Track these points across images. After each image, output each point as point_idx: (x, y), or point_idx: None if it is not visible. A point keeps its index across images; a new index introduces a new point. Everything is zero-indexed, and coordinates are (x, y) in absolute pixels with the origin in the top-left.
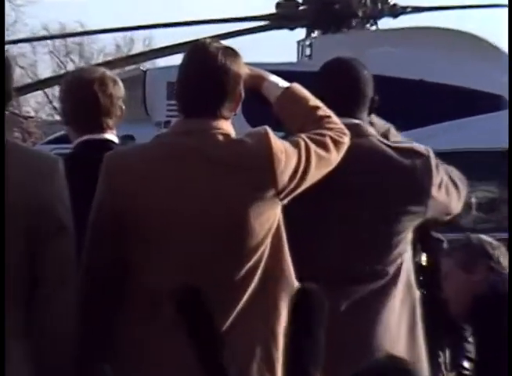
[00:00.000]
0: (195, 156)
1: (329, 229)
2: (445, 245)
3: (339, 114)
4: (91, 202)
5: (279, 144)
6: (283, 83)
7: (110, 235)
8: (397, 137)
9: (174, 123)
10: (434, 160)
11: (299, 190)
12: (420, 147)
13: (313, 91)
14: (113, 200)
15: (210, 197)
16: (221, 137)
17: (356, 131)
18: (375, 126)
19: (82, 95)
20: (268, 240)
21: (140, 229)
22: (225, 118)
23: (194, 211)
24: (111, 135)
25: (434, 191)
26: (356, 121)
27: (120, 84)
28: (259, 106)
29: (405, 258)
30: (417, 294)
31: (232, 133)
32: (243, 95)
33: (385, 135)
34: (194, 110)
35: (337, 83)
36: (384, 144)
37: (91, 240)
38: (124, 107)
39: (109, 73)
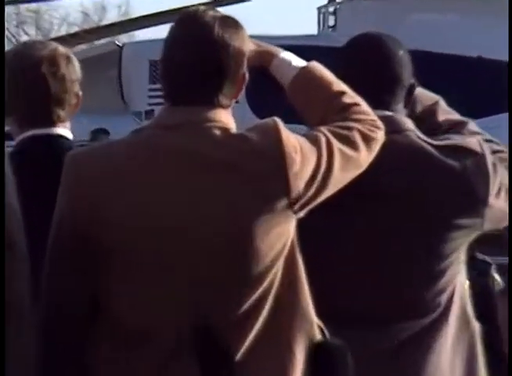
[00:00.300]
0: (184, 157)
1: (357, 246)
2: (493, 270)
3: (368, 104)
4: (43, 206)
5: (292, 140)
6: (298, 61)
7: (77, 261)
8: (449, 114)
9: (158, 113)
10: (490, 158)
11: (319, 200)
12: (471, 143)
13: (337, 72)
14: (78, 216)
15: (204, 211)
16: (218, 132)
17: (389, 126)
18: (418, 98)
19: (26, 78)
20: (280, 264)
21: (114, 254)
22: (224, 107)
23: (183, 229)
24: (64, 130)
25: (492, 198)
26: (389, 113)
27: (76, 62)
28: (267, 91)
29: (458, 284)
30: (476, 327)
31: (233, 126)
32: (246, 77)
33: (432, 111)
34: (184, 97)
35: (366, 65)
36: (425, 142)
37: (52, 267)
38: (81, 93)
39: (62, 49)
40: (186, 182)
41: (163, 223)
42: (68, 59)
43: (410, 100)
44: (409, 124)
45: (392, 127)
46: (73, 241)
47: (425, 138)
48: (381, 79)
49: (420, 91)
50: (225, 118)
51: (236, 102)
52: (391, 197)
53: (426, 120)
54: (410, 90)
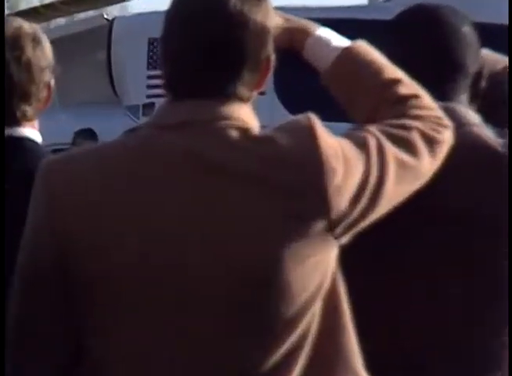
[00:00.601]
0: (190, 166)
1: (417, 281)
2: None
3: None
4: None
5: (332, 144)
6: (340, 40)
7: (51, 296)
8: None
9: (158, 109)
10: None
11: (367, 221)
12: None
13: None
14: (54, 242)
15: (217, 239)
16: (234, 133)
17: (452, 120)
18: (484, 61)
19: None
20: (317, 306)
21: (97, 290)
22: (243, 100)
23: (187, 260)
24: (31, 130)
25: None
26: (451, 105)
27: (47, 44)
28: (301, 78)
29: None
30: None
31: (255, 126)
32: (272, 61)
33: (498, 74)
34: (190, 88)
35: (421, 43)
36: (493, 141)
37: (21, 302)
38: (53, 83)
39: (27, 27)
40: (193, 201)
41: (164, 256)
42: (36, 39)
43: (478, 93)
44: (473, 116)
45: (455, 121)
46: (51, 271)
47: (493, 135)
48: (439, 64)
49: (485, 52)
50: (245, 115)
51: (261, 93)
52: (461, 218)
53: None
54: (478, 78)
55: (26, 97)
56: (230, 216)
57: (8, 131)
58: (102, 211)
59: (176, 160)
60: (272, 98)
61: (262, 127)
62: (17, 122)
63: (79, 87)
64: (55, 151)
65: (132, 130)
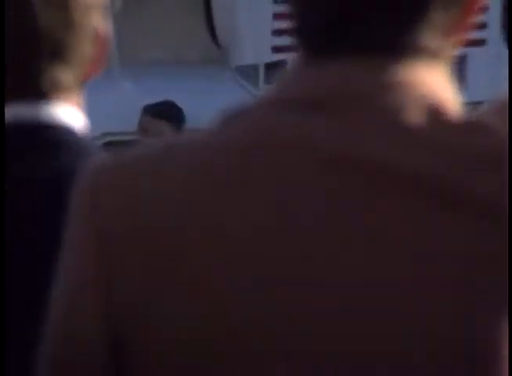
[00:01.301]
0: (339, 168)
1: None
2: None
3: None
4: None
5: None
6: None
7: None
8: None
9: (283, 75)
10: None
11: None
12: None
13: None
14: (111, 282)
15: (386, 280)
16: (416, 116)
17: None
18: None
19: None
20: None
21: (181, 354)
22: (431, 57)
23: (338, 315)
24: (67, 109)
25: None
26: None
27: None
28: None
29: None
30: None
31: (452, 102)
32: None
33: None
34: (339, 39)
35: None
36: None
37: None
38: (108, 33)
39: None
40: (345, 221)
41: (290, 306)
42: None
43: None
44: None
45: None
46: (100, 320)
47: None
48: None
49: None
50: (435, 83)
51: (474, 43)
52: None
53: None
54: None
55: (59, 53)
56: (409, 256)
57: (29, 111)
58: (191, 238)
59: (310, 163)
60: (498, 49)
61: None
62: (43, 95)
63: (154, 39)
64: (109, 145)
65: (238, 112)
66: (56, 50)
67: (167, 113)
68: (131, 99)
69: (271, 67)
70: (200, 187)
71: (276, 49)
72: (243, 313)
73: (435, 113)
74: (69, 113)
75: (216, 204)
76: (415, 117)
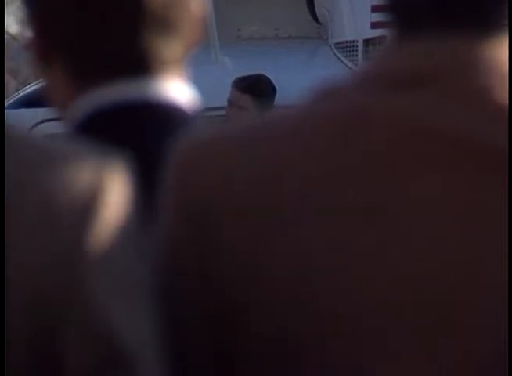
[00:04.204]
0: (437, 154)
1: None
2: None
3: None
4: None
5: None
6: None
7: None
8: None
9: (377, 54)
10: None
11: None
12: None
13: None
14: (205, 266)
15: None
16: (506, 94)
17: None
18: None
19: None
20: None
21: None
22: (505, 32)
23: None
24: (175, 85)
25: None
26: None
27: None
28: None
29: None
30: None
31: None
32: None
33: None
34: (434, 14)
35: None
36: None
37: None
38: (204, 8)
39: None
40: (445, 205)
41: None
42: None
43: None
44: None
45: None
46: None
47: None
48: None
49: None
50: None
51: None
52: None
53: None
54: None
55: (164, 25)
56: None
57: (127, 89)
58: (283, 220)
59: (407, 144)
60: None
61: None
62: (148, 69)
63: (253, 15)
64: (209, 120)
65: (328, 87)
66: (160, 21)
67: (253, 87)
68: (230, 75)
69: (369, 43)
70: (295, 163)
71: (375, 25)
72: (363, 289)
73: None
74: (177, 88)
75: (312, 177)
76: (500, 95)
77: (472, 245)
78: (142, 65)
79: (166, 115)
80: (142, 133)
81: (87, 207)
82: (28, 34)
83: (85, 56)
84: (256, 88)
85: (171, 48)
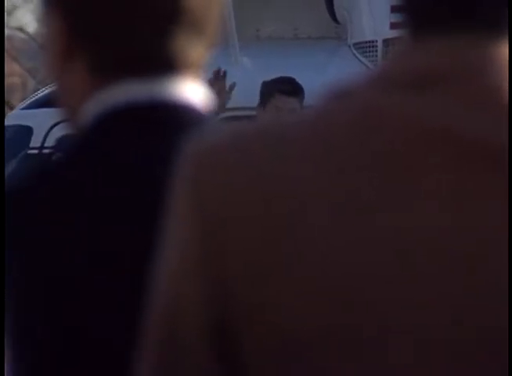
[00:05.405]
0: (449, 155)
1: None
2: None
3: None
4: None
5: None
6: None
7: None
8: None
9: (390, 56)
10: None
11: None
12: None
13: None
14: (217, 278)
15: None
16: None
17: None
18: None
19: None
20: None
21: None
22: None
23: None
24: (193, 87)
25: None
26: None
27: None
28: None
29: None
30: None
31: None
32: None
33: None
34: (447, 13)
35: None
36: None
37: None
38: (223, 8)
39: None
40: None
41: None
42: None
43: None
44: None
45: None
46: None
47: None
48: None
49: None
50: None
51: None
52: None
53: None
54: None
55: (197, 27)
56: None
57: (142, 89)
58: (303, 227)
59: (423, 145)
60: None
61: None
62: (170, 69)
63: (272, 15)
64: (229, 120)
65: (342, 87)
66: (197, 26)
67: (296, 89)
68: (249, 75)
69: (389, 43)
70: (308, 165)
71: (395, 25)
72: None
73: None
74: (195, 91)
75: (323, 180)
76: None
77: (484, 242)
78: (168, 66)
79: (182, 116)
80: (155, 133)
81: None
82: (47, 31)
83: (111, 51)
84: (298, 89)
85: (198, 49)
